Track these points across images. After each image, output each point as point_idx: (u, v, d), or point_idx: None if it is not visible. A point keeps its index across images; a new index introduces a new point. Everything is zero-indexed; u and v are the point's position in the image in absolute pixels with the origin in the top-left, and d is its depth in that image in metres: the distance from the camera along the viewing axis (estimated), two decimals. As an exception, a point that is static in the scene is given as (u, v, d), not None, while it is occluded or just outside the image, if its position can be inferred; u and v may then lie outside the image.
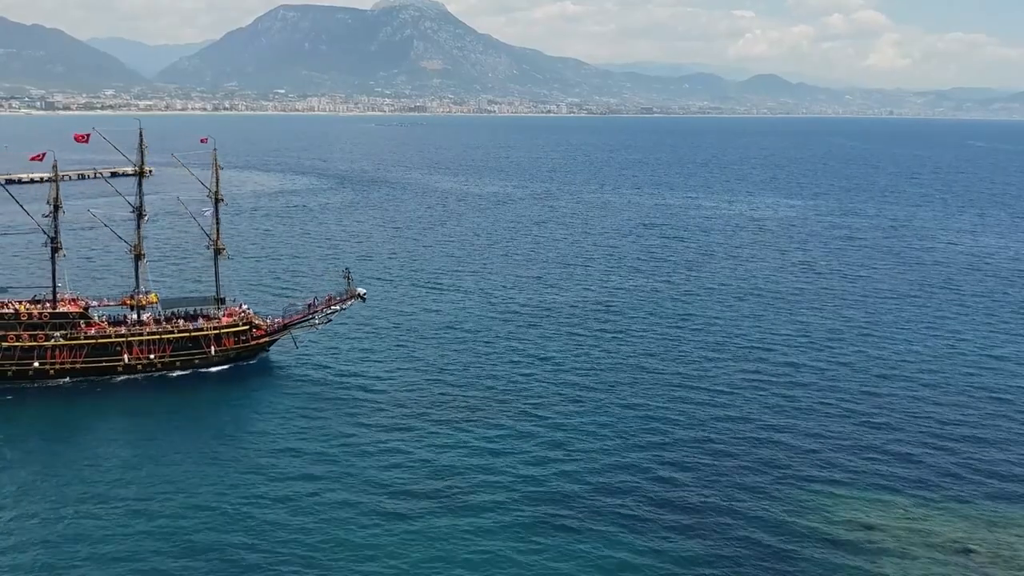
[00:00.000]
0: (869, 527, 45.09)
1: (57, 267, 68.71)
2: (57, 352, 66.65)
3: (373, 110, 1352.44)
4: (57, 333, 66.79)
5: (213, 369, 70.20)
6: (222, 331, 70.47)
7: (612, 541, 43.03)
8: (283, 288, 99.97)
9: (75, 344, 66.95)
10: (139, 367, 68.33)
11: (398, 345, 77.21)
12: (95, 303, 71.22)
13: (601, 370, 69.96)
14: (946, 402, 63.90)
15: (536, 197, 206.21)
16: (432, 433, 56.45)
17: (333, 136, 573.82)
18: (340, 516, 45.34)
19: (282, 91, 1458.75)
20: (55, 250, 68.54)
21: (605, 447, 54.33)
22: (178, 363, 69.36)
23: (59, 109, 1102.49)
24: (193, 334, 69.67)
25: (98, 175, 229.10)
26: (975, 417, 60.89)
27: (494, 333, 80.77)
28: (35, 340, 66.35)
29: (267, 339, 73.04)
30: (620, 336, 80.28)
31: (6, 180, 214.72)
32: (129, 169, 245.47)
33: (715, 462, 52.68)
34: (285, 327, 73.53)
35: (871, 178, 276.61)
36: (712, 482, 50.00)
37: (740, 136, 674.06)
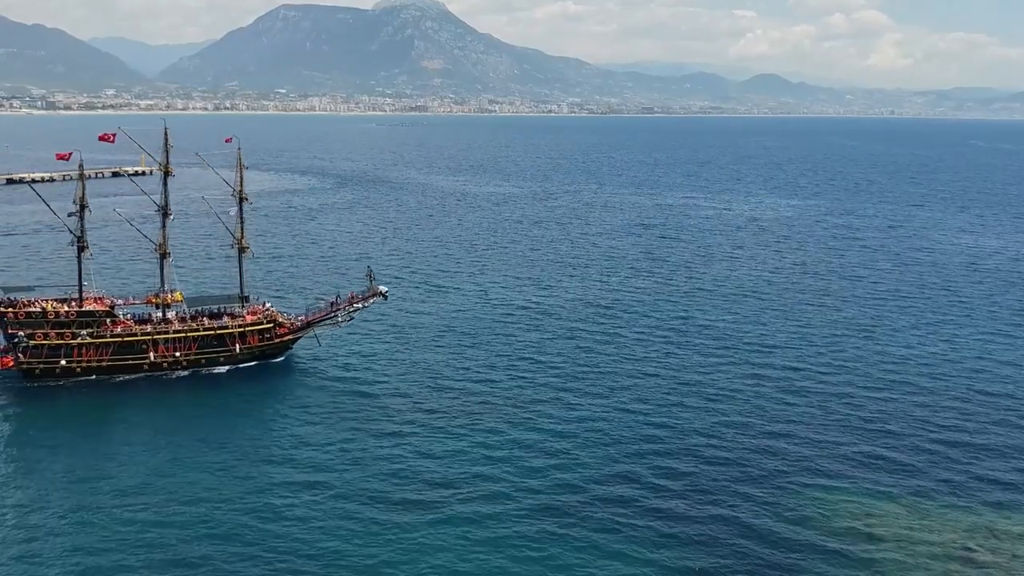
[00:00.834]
0: (869, 529, 45.07)
1: (83, 266, 69.15)
2: (84, 350, 67.14)
3: (374, 110, 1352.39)
4: (84, 331, 67.29)
5: (238, 367, 70.66)
6: (247, 329, 70.96)
7: (611, 546, 42.83)
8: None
9: (101, 342, 67.47)
10: (165, 365, 68.83)
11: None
12: (120, 301, 71.69)
13: (603, 373, 69.50)
14: (945, 404, 63.66)
15: (537, 197, 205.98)
16: (435, 437, 56.00)
17: (334, 136, 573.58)
18: (344, 519, 45.33)
19: (283, 91, 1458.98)
20: (81, 249, 68.99)
21: (605, 452, 53.93)
22: (204, 361, 69.86)
23: (60, 109, 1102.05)
24: (218, 332, 70.17)
25: (99, 175, 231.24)
26: (975, 419, 60.68)
27: (506, 335, 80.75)
28: (62, 338, 66.86)
29: (291, 337, 73.50)
30: (620, 337, 79.94)
31: (7, 180, 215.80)
32: (130, 169, 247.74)
33: (713, 464, 52.50)
34: (308, 325, 74.00)
35: (871, 178, 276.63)
36: (711, 484, 49.81)
37: (741, 136, 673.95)
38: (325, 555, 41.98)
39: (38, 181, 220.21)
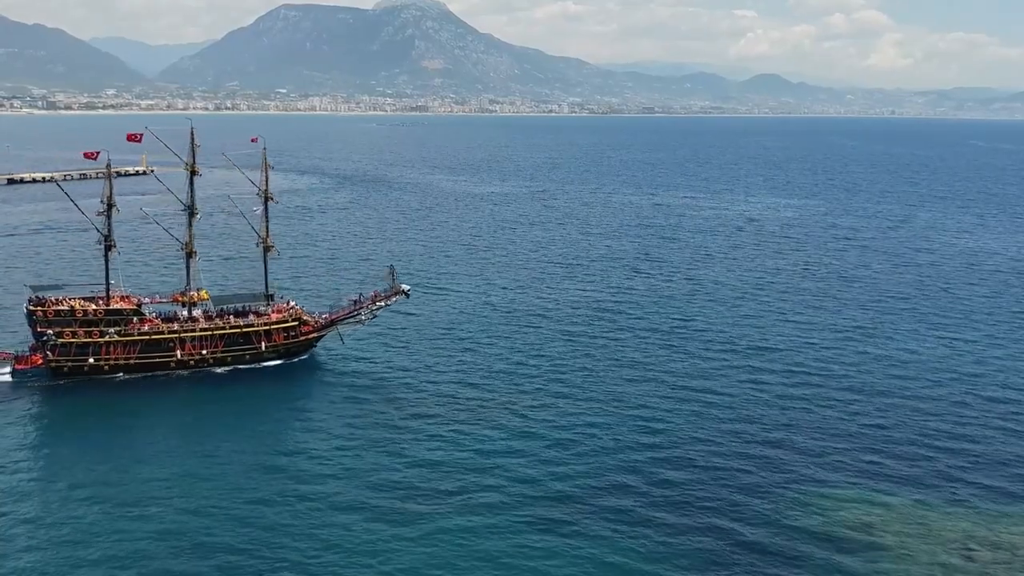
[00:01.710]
0: (869, 527, 45.16)
1: (110, 264, 69.75)
2: (111, 348, 67.77)
3: (374, 110, 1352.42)
4: (111, 329, 67.91)
5: (262, 364, 71.33)
6: (272, 327, 71.60)
7: (612, 544, 42.96)
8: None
9: (129, 340, 68.08)
10: (191, 362, 69.47)
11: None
12: (147, 300, 72.33)
13: (600, 372, 69.69)
14: (945, 405, 63.65)
15: (536, 197, 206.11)
16: (437, 434, 56.50)
17: (335, 136, 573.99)
18: (351, 516, 45.79)
19: (284, 91, 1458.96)
20: (108, 248, 69.59)
21: (605, 455, 53.80)
22: (229, 358, 70.50)
23: (61, 109, 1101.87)
24: (244, 330, 70.81)
25: (99, 175, 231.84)
26: (974, 420, 60.72)
27: (509, 336, 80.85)
28: (90, 336, 67.48)
29: (315, 335, 74.14)
30: (619, 339, 79.62)
31: (7, 180, 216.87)
32: (131, 169, 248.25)
33: (713, 463, 52.60)
34: (332, 323, 74.61)
35: (871, 178, 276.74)
36: (711, 483, 49.89)
37: (741, 136, 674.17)
38: (334, 556, 42.15)
39: (39, 181, 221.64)
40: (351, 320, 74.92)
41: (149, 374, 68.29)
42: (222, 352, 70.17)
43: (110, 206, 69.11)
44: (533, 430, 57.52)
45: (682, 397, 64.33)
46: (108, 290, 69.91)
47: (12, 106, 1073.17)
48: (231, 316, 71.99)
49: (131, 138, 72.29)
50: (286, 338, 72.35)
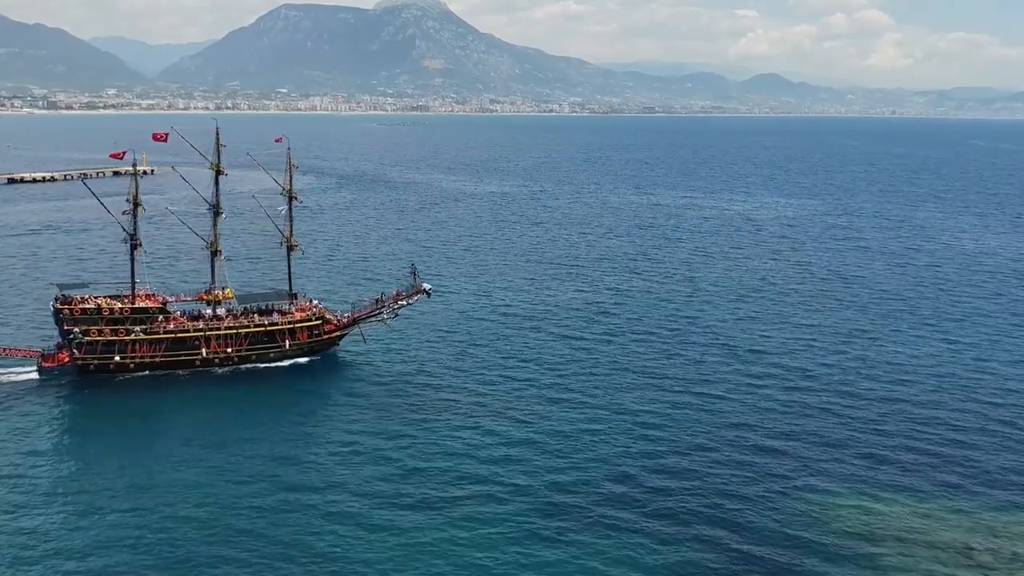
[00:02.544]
0: (869, 529, 45.15)
1: (135, 263, 70.20)
2: (137, 346, 68.23)
3: (375, 109, 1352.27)
4: (137, 328, 68.37)
5: (287, 363, 71.79)
6: (296, 325, 72.06)
7: (611, 550, 42.77)
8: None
9: (155, 338, 68.53)
10: (216, 360, 69.93)
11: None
12: (172, 298, 72.78)
13: (600, 375, 69.43)
14: (945, 405, 63.79)
15: (537, 197, 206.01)
16: (437, 439, 56.38)
17: (336, 136, 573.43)
18: (357, 516, 46.01)
19: (284, 90, 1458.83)
20: (134, 247, 70.03)
21: (605, 456, 53.76)
22: (254, 356, 70.97)
23: (61, 108, 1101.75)
24: (269, 328, 71.28)
25: (100, 174, 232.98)
26: (974, 420, 60.83)
27: (508, 336, 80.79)
28: (116, 335, 67.93)
29: (338, 333, 74.59)
30: (619, 340, 79.69)
31: (8, 179, 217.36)
32: (132, 169, 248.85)
33: (712, 467, 52.50)
34: (354, 322, 75.04)
35: (871, 178, 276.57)
36: (710, 487, 49.73)
37: (742, 136, 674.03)
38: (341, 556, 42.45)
39: (39, 181, 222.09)
40: (373, 319, 75.31)
41: (174, 372, 68.73)
42: (247, 350, 70.62)
43: (136, 205, 69.54)
44: (533, 434, 57.03)
45: (680, 400, 63.84)
46: (133, 288, 70.36)
47: (13, 106, 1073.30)
48: (255, 315, 72.46)
49: (157, 137, 72.74)
50: (310, 336, 72.82)
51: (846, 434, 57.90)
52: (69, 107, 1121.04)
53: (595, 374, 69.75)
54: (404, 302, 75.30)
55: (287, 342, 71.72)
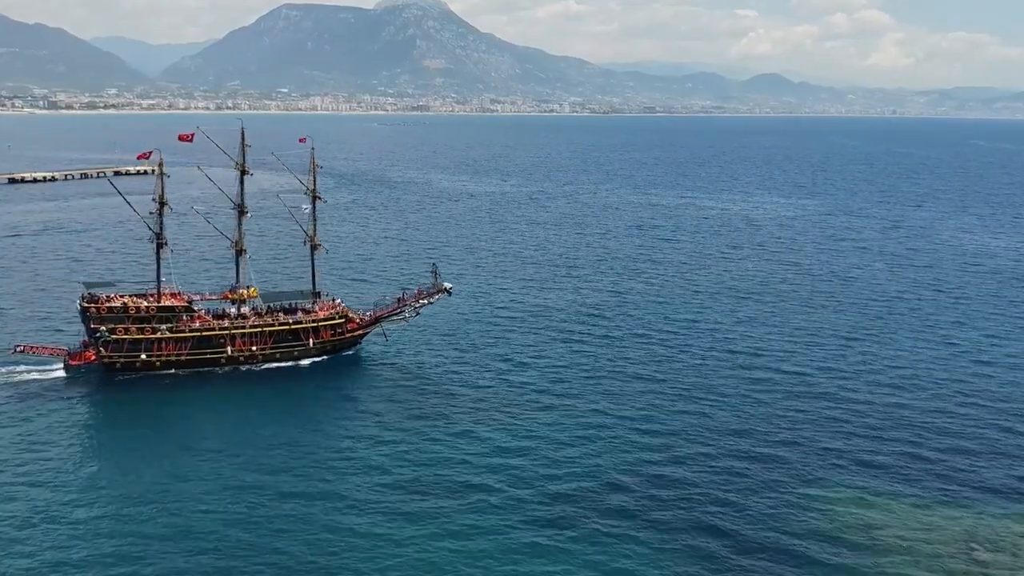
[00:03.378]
0: (870, 528, 45.22)
1: (161, 262, 70.78)
2: (163, 344, 68.79)
3: (376, 109, 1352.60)
4: (163, 326, 68.94)
5: (310, 361, 72.39)
6: (320, 324, 72.64)
7: (610, 553, 42.71)
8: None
9: (181, 337, 69.10)
10: (241, 359, 70.50)
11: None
12: (197, 297, 73.35)
13: (600, 378, 69.10)
14: (945, 405, 63.82)
15: (538, 197, 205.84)
16: (444, 436, 56.73)
17: (337, 135, 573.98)
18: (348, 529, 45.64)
19: (285, 90, 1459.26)
20: (160, 246, 70.58)
21: (600, 458, 53.67)
22: (278, 355, 71.54)
23: (62, 108, 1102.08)
24: (293, 327, 71.85)
25: (101, 174, 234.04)
26: (975, 420, 60.91)
27: (506, 337, 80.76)
28: (142, 333, 68.49)
29: (361, 332, 75.18)
30: (618, 341, 79.56)
31: (8, 179, 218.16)
32: (132, 169, 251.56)
33: (712, 466, 52.57)
34: (377, 320, 75.61)
35: (871, 178, 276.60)
36: (710, 486, 49.80)
37: (743, 136, 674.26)
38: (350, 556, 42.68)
39: (40, 180, 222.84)
40: (395, 317, 75.88)
41: (200, 370, 69.31)
42: (271, 348, 71.20)
43: (162, 204, 70.10)
44: (532, 440, 56.66)
45: (679, 403, 63.62)
46: (159, 287, 70.93)
47: (13, 106, 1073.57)
48: (280, 313, 73.05)
49: (183, 138, 73.32)
50: (333, 335, 73.39)
51: (846, 436, 57.66)
52: (69, 107, 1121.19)
53: (594, 377, 69.18)
54: (426, 301, 75.82)
55: (311, 340, 72.30)
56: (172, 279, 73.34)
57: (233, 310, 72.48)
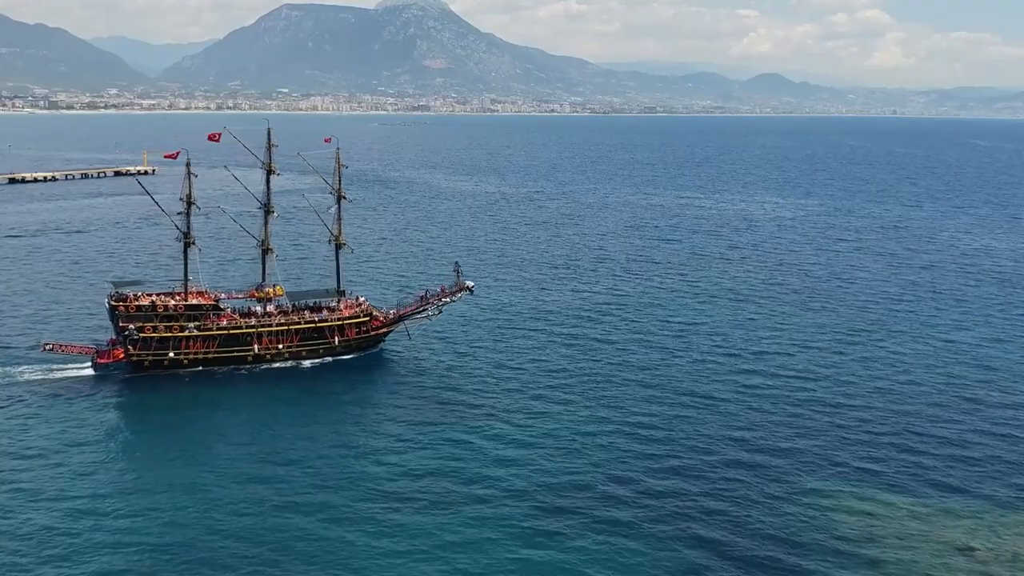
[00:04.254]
0: (870, 529, 45.31)
1: (188, 261, 71.50)
2: (191, 342, 69.51)
3: (376, 109, 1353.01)
4: (191, 324, 69.65)
5: (335, 359, 73.12)
6: (345, 322, 73.38)
7: (610, 551, 42.86)
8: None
9: (208, 335, 69.81)
10: (268, 357, 71.22)
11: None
12: (223, 295, 74.05)
13: (600, 377, 69.01)
14: (945, 405, 63.96)
15: (539, 197, 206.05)
16: (437, 441, 56.55)
17: (338, 135, 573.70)
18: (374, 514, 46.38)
19: (285, 90, 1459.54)
20: (188, 245, 71.29)
21: (601, 457, 53.89)
22: (304, 353, 72.28)
23: (62, 108, 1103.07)
24: (319, 325, 72.59)
25: (101, 174, 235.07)
26: (974, 420, 61.02)
27: (505, 337, 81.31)
28: (170, 331, 69.20)
29: (385, 330, 75.92)
30: (618, 341, 79.70)
31: (9, 179, 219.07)
32: (133, 169, 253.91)
33: (712, 467, 52.59)
34: (400, 318, 76.32)
35: (870, 177, 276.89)
36: (709, 487, 49.88)
37: (743, 135, 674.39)
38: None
39: (40, 180, 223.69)
40: (419, 315, 76.59)
41: (226, 368, 70.02)
42: (297, 346, 71.93)
43: (190, 203, 70.81)
44: (531, 439, 56.80)
45: (678, 402, 63.75)
46: (186, 286, 71.64)
47: (14, 105, 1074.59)
48: (305, 311, 73.79)
49: (211, 138, 74.05)
50: (358, 333, 74.11)
51: (846, 436, 57.77)
52: (70, 107, 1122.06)
53: (594, 377, 69.23)
54: (448, 299, 76.54)
55: (336, 338, 73.03)
56: (199, 278, 74.01)
57: (259, 308, 73.18)
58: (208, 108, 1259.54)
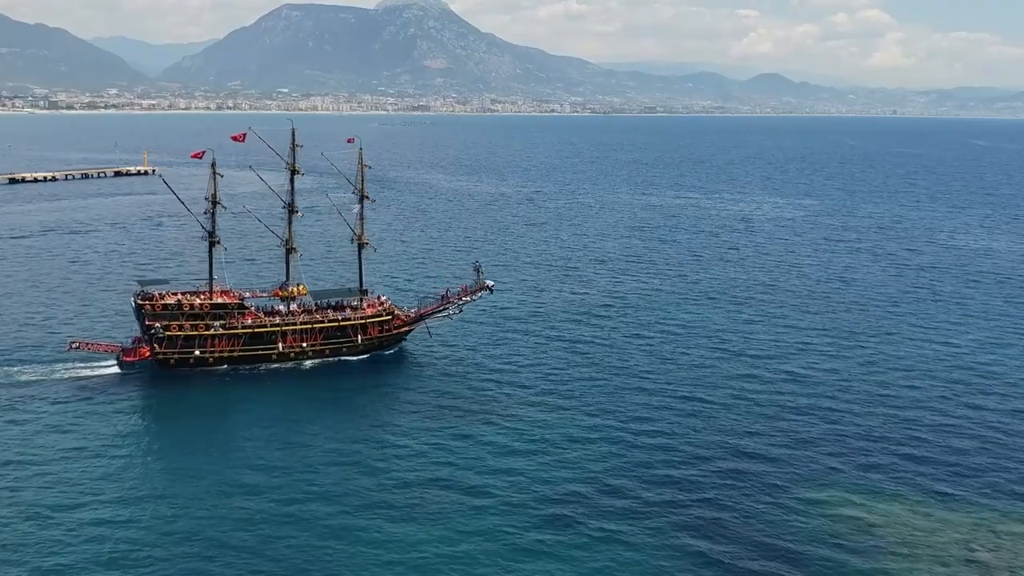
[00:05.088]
0: (870, 529, 45.28)
1: (214, 260, 72.11)
2: (217, 341, 70.11)
3: (376, 109, 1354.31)
4: (216, 323, 70.26)
5: (357, 357, 73.76)
6: (368, 321, 74.03)
7: (609, 555, 42.80)
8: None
9: (233, 333, 70.43)
10: (292, 355, 71.85)
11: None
12: (247, 294, 74.68)
13: (599, 380, 68.92)
14: (947, 404, 64.06)
15: (536, 197, 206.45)
16: (443, 440, 56.77)
17: (340, 135, 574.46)
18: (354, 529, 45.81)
19: (285, 90, 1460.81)
20: (213, 244, 71.90)
21: (600, 460, 53.78)
22: (327, 351, 72.91)
23: (63, 108, 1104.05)
24: (342, 324, 73.23)
25: (101, 174, 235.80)
26: (974, 420, 61.04)
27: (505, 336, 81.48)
28: (196, 330, 69.82)
29: (406, 328, 76.58)
30: (618, 343, 79.60)
31: (9, 179, 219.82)
32: (133, 169, 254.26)
33: (712, 468, 52.55)
34: (421, 317, 76.95)
35: (870, 177, 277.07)
36: (709, 488, 49.92)
37: (744, 135, 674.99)
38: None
39: (40, 180, 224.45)
40: (440, 314, 77.22)
41: (251, 366, 70.65)
42: (321, 344, 72.56)
43: (215, 203, 71.39)
44: (531, 439, 56.87)
45: (680, 403, 63.71)
46: (211, 285, 72.26)
47: (14, 105, 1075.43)
48: (328, 310, 74.44)
49: (236, 138, 74.68)
50: (380, 332, 74.75)
51: (846, 438, 57.72)
52: (70, 107, 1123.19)
53: (592, 379, 69.10)
54: (469, 298, 77.14)
55: (359, 337, 73.65)
56: (224, 277, 74.61)
57: (283, 307, 73.82)
58: (208, 108, 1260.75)
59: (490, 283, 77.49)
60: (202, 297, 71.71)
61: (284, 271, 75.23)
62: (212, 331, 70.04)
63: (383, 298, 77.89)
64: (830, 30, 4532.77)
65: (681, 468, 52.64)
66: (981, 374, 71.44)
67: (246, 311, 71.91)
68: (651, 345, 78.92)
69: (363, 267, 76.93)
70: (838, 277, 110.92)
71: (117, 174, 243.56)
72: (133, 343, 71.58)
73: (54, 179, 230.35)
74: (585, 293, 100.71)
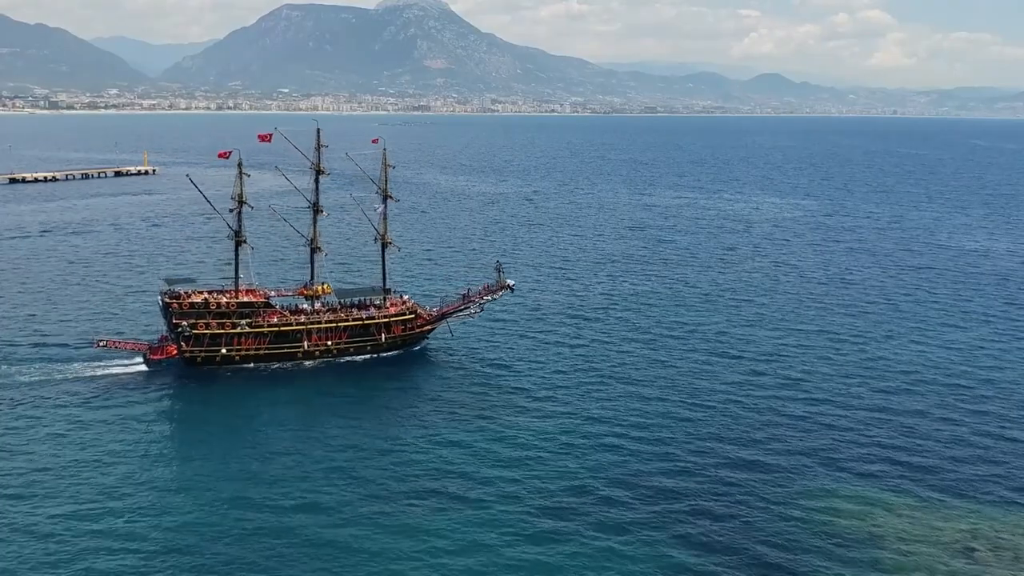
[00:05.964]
0: (870, 529, 45.43)
1: (240, 259, 72.85)
2: (243, 339, 70.85)
3: (377, 109, 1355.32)
4: (243, 321, 71.00)
5: (381, 355, 74.47)
6: (392, 319, 74.79)
7: (610, 554, 42.92)
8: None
9: (259, 331, 71.19)
10: (317, 353, 72.60)
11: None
12: (273, 293, 75.42)
13: (598, 380, 68.55)
14: (946, 404, 64.15)
15: (536, 197, 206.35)
16: (449, 439, 57.14)
17: (338, 135, 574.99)
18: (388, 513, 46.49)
19: (286, 90, 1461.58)
20: (239, 243, 72.63)
21: (600, 460, 53.80)
22: (352, 349, 73.66)
23: (63, 108, 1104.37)
24: (366, 322, 73.97)
25: (102, 174, 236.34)
26: (974, 420, 61.16)
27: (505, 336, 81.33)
28: (223, 328, 70.55)
29: (429, 327, 77.34)
30: (619, 341, 79.83)
31: (9, 179, 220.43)
32: (133, 169, 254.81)
33: (712, 468, 52.60)
34: (443, 316, 77.70)
35: (869, 177, 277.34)
36: (709, 487, 49.96)
37: (745, 135, 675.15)
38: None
39: (40, 180, 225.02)
40: (462, 313, 77.95)
41: (276, 364, 71.39)
42: (345, 343, 73.31)
43: (241, 202, 72.09)
44: (528, 443, 56.86)
45: (678, 405, 63.67)
46: (237, 283, 72.99)
47: (14, 105, 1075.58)
48: (352, 309, 75.19)
49: (262, 138, 75.41)
50: (403, 330, 75.50)
51: (845, 439, 57.77)
52: (71, 107, 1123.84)
53: (592, 380, 69.21)
54: (489, 297, 77.86)
55: (383, 335, 74.38)
56: (250, 275, 75.34)
57: (308, 306, 74.56)
58: (208, 108, 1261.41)
59: (511, 282, 78.16)
60: (228, 296, 72.46)
61: (309, 270, 75.94)
62: (239, 329, 70.78)
63: (406, 297, 78.63)
64: (831, 30, 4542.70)
65: (680, 468, 52.59)
66: (981, 375, 71.38)
67: (272, 310, 72.66)
68: (651, 345, 78.53)
69: (386, 266, 77.57)
70: (838, 278, 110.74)
71: (117, 174, 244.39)
72: (159, 341, 72.36)
73: (54, 179, 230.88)
74: (583, 292, 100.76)
